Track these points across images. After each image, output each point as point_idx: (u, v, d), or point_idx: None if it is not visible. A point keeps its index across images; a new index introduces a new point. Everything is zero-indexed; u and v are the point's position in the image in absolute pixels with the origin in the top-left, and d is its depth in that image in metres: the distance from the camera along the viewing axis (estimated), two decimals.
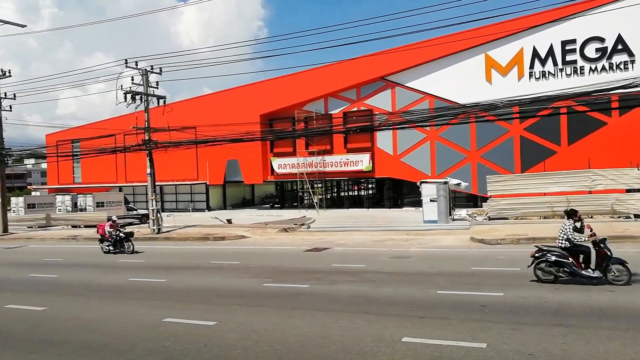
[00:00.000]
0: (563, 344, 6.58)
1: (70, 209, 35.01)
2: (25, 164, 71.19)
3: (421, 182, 24.54)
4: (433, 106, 30.67)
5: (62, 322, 9.12)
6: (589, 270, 10.03)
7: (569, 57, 29.64)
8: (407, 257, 14.88)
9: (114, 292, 11.71)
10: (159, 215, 25.79)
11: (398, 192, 38.61)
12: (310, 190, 36.77)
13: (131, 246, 18.89)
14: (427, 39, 30.46)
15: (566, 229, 10.45)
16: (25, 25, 28.25)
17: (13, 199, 37.67)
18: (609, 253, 9.82)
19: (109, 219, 30.53)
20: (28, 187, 71.66)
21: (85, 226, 31.21)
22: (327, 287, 11.02)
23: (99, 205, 33.79)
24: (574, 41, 29.43)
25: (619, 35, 28.26)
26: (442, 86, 32.34)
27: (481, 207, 28.77)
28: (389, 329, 7.54)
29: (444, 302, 9.05)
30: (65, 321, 9.13)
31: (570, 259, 10.15)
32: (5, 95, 29.36)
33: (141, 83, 24.84)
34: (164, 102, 25.84)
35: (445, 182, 24.16)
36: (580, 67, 29.37)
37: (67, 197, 36.05)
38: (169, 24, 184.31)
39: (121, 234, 18.96)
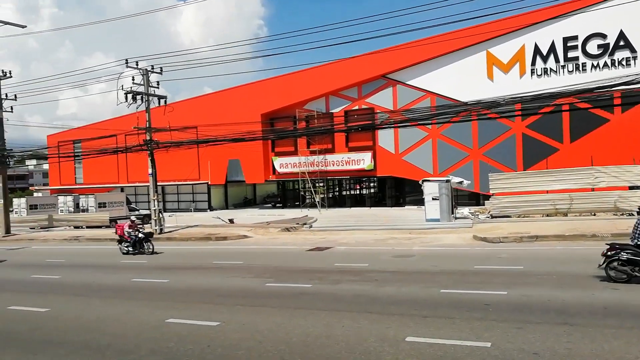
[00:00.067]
0: (568, 342, 6.54)
1: (73, 209, 35.05)
2: (27, 165, 71.24)
3: (423, 181, 24.50)
4: (434, 104, 30.63)
5: (64, 322, 9.11)
6: None
7: (570, 54, 29.55)
8: (410, 256, 14.84)
9: (116, 293, 11.70)
10: (161, 215, 25.79)
11: (400, 191, 38.57)
12: (312, 189, 36.75)
13: (151, 246, 18.44)
14: (428, 37, 30.41)
15: None
16: (26, 26, 28.27)
17: (15, 200, 37.73)
18: None
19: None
20: (30, 188, 71.76)
21: (87, 227, 31.29)
22: (329, 286, 10.99)
23: (101, 205, 33.82)
24: (575, 37, 29.34)
25: (621, 31, 28.17)
26: (444, 84, 32.27)
27: (483, 205, 28.72)
28: (393, 329, 7.51)
29: (447, 301, 9.01)
30: (68, 322, 9.12)
31: None
32: (6, 96, 29.37)
33: (142, 83, 24.82)
34: (165, 102, 25.82)
35: (448, 181, 24.12)
36: (582, 63, 29.28)
37: (69, 198, 36.10)
38: (169, 23, 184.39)
39: (140, 235, 18.55)
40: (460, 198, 32.31)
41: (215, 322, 8.35)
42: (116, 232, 19.55)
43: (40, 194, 52.14)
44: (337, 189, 44.40)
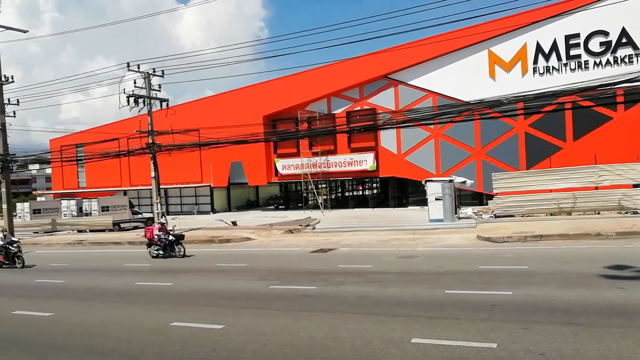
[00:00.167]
0: (575, 342, 6.49)
1: (76, 213, 35.13)
2: (30, 170, 71.49)
3: (426, 181, 24.43)
4: (437, 104, 30.56)
5: (69, 327, 9.10)
6: None
7: (573, 52, 29.47)
8: (414, 257, 14.79)
9: (120, 297, 11.70)
10: (164, 218, 25.79)
11: (403, 191, 38.49)
12: (315, 190, 36.72)
13: (182, 249, 17.87)
14: (429, 36, 30.35)
15: None
16: (27, 31, 28.35)
17: (19, 205, 37.82)
18: None
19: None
20: (33, 192, 71.91)
21: (90, 230, 31.33)
22: (334, 288, 10.95)
23: (104, 209, 33.87)
24: (577, 35, 29.26)
25: (623, 28, 28.07)
26: (446, 83, 32.21)
27: (487, 204, 28.61)
28: (398, 330, 7.47)
29: (453, 302, 8.96)
30: (72, 326, 9.11)
31: None
32: (9, 101, 29.41)
33: (143, 86, 24.89)
34: (167, 104, 25.89)
35: (451, 181, 24.04)
36: (585, 61, 29.19)
37: (72, 202, 36.19)
38: (170, 26, 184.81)
39: (171, 237, 18.07)
40: (464, 198, 32.22)
41: (219, 325, 8.33)
42: (145, 235, 19.10)
43: (43, 199, 52.26)
44: (340, 190, 44.35)
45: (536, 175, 23.37)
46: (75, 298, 11.92)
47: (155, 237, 18.23)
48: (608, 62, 28.59)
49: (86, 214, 34.56)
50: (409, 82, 33.98)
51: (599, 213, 21.60)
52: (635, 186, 21.54)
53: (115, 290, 12.64)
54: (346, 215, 31.50)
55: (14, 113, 29.79)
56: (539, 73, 30.22)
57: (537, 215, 22.51)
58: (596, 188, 22.06)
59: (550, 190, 22.89)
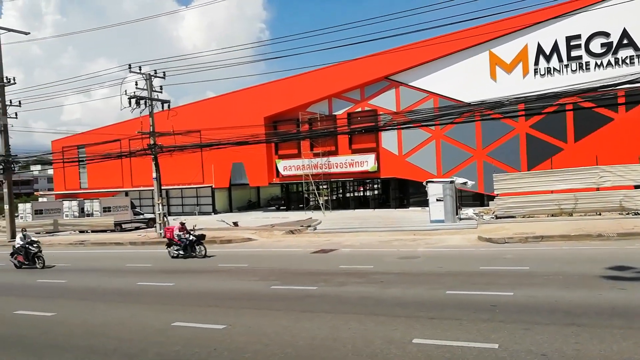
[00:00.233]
0: (576, 343, 6.50)
1: (77, 214, 35.18)
2: (32, 171, 71.60)
3: (427, 182, 24.44)
4: (438, 105, 30.55)
5: (71, 327, 9.12)
6: None
7: (574, 53, 29.46)
8: (415, 258, 14.81)
9: (122, 297, 11.72)
10: (165, 219, 25.86)
11: (404, 192, 38.50)
12: (316, 191, 36.74)
13: (203, 250, 17.64)
14: (430, 38, 30.37)
15: None
16: (29, 33, 28.46)
17: (20, 205, 37.89)
18: None
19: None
20: (35, 193, 71.96)
21: (92, 231, 31.39)
22: (335, 288, 10.97)
23: (106, 210, 33.93)
24: (578, 37, 29.25)
25: (624, 29, 28.06)
26: (447, 85, 32.22)
27: (488, 205, 28.60)
28: (399, 331, 7.48)
29: (454, 303, 8.98)
30: (74, 326, 9.13)
31: None
32: (11, 102, 29.54)
33: (145, 88, 24.92)
34: (169, 106, 25.90)
35: (452, 182, 24.04)
36: (586, 62, 29.18)
37: (74, 203, 36.25)
38: (171, 28, 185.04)
39: (192, 237, 17.81)
40: (465, 199, 32.22)
41: (221, 325, 8.34)
42: (165, 235, 18.82)
43: (45, 199, 52.33)
44: (341, 191, 44.35)
45: (537, 176, 23.37)
46: (77, 298, 11.95)
47: (176, 237, 17.88)
48: (609, 63, 28.59)
49: (88, 215, 34.61)
50: (410, 84, 33.99)
51: (600, 214, 21.59)
52: (636, 187, 21.54)
53: (117, 290, 12.66)
54: (347, 216, 31.50)
55: (16, 114, 29.93)
56: (540, 74, 30.22)
57: (538, 216, 22.51)
58: (597, 189, 22.06)
59: (552, 191, 22.88)
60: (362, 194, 45.76)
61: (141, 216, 34.36)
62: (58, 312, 10.32)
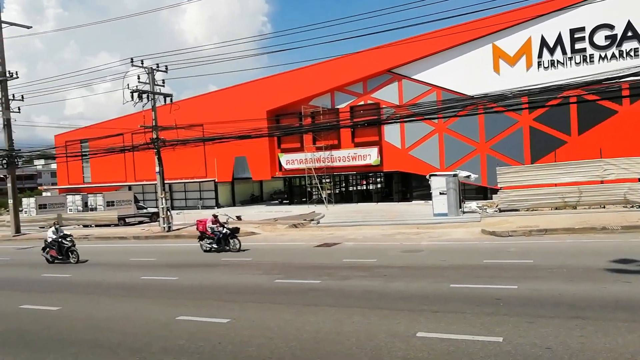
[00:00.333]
0: (581, 336, 6.49)
1: (81, 208, 35.27)
2: (35, 165, 71.69)
3: (430, 175, 24.40)
4: (441, 98, 30.43)
5: (76, 321, 9.16)
6: None
7: (578, 46, 29.26)
8: (418, 251, 14.81)
9: (126, 291, 11.76)
10: (168, 213, 25.90)
11: (407, 186, 38.44)
12: (319, 185, 36.73)
13: (237, 243, 17.13)
14: (433, 30, 30.20)
15: None
16: (31, 27, 28.42)
17: (24, 200, 38.02)
18: None
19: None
20: (39, 187, 72.23)
21: (96, 225, 31.49)
22: (338, 282, 10.98)
23: (109, 204, 33.99)
24: (582, 29, 29.03)
25: (629, 21, 27.83)
26: (450, 78, 32.08)
27: (491, 199, 28.57)
28: (403, 324, 7.49)
29: (458, 296, 8.98)
30: (79, 320, 9.17)
31: None
32: (14, 96, 29.54)
33: (147, 81, 24.89)
34: (171, 100, 25.87)
35: (455, 175, 24.00)
36: (590, 55, 28.99)
37: (78, 197, 36.32)
38: (173, 22, 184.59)
39: (225, 230, 17.32)
40: (468, 192, 32.15)
41: (225, 319, 8.37)
42: (197, 228, 18.36)
43: (49, 194, 52.50)
44: (344, 184, 44.34)
45: (541, 170, 23.30)
46: (82, 292, 11.99)
47: (209, 230, 17.40)
48: (613, 55, 28.39)
49: (91, 209, 34.69)
50: (412, 77, 33.85)
51: (604, 207, 21.54)
52: None
53: (121, 284, 12.71)
54: (350, 210, 31.51)
55: (19, 109, 29.94)
56: (544, 67, 30.05)
57: (542, 209, 22.47)
58: (601, 182, 21.98)
59: (555, 185, 22.81)
60: (365, 187, 45.74)
61: (144, 210, 34.44)
62: (63, 307, 10.36)
